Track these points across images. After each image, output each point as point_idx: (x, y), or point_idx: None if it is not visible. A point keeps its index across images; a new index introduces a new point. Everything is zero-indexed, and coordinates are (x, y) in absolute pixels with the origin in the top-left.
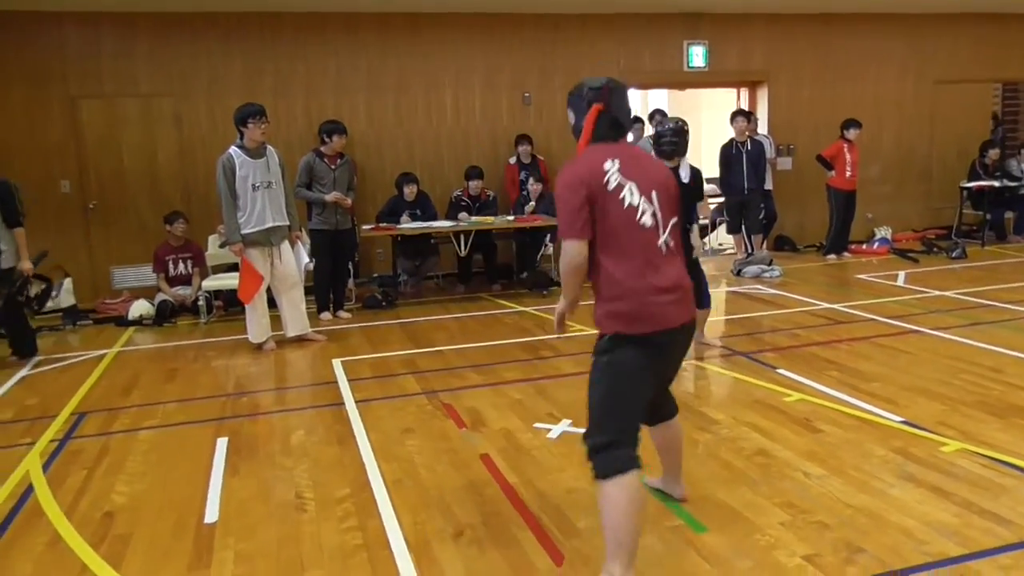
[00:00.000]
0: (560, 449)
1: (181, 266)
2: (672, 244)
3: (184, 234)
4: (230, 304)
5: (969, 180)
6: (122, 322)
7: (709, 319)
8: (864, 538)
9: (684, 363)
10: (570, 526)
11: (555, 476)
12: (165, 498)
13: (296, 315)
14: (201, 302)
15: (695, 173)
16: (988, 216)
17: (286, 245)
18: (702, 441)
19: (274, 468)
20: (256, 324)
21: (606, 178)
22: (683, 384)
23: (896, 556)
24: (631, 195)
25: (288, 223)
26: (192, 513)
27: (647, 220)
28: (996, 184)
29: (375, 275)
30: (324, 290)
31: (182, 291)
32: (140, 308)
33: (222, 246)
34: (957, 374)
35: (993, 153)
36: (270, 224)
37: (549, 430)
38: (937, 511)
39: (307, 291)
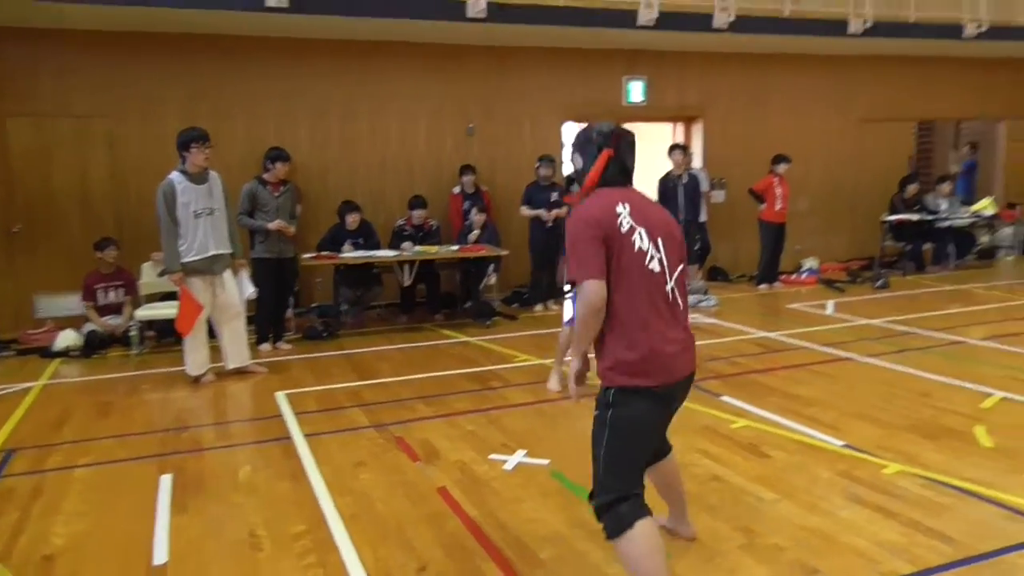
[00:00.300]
0: (517, 480)
1: (112, 294)
2: (678, 291)
3: (115, 261)
4: (164, 334)
5: (890, 214)
6: (47, 353)
7: None
8: (819, 559)
9: None
10: (533, 557)
11: (514, 507)
12: (108, 539)
13: (238, 346)
14: (133, 332)
15: None
16: (908, 248)
17: (228, 274)
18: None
19: (223, 505)
20: (195, 356)
21: (619, 220)
22: None
23: (849, 575)
24: (640, 240)
25: (231, 251)
26: (139, 554)
27: (655, 266)
28: (915, 218)
29: (314, 305)
30: (266, 321)
31: (112, 321)
32: (67, 339)
33: (161, 275)
34: (891, 399)
35: (912, 188)
36: (212, 252)
37: (505, 461)
38: (885, 531)
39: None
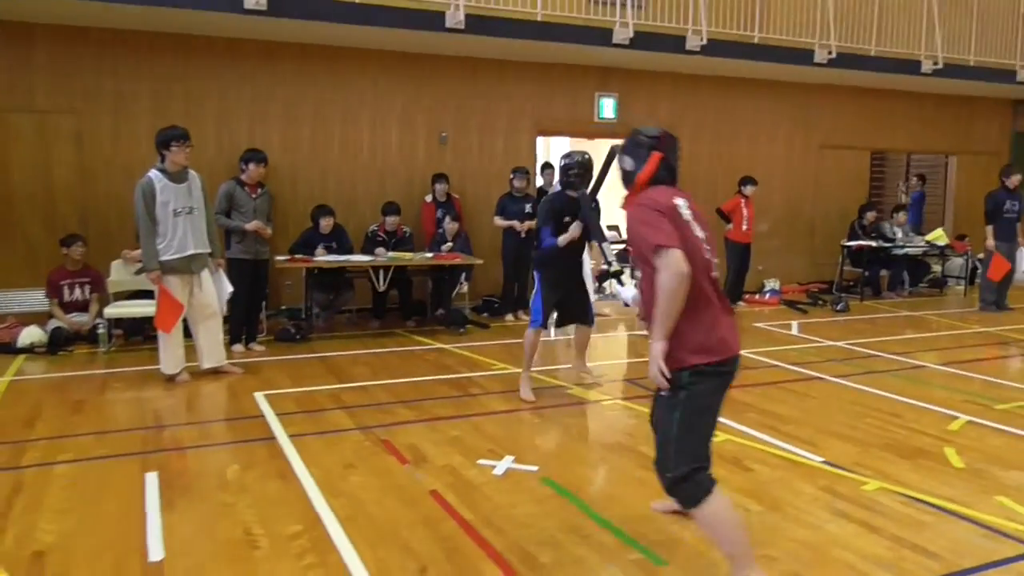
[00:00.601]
0: (507, 485)
1: (78, 291)
2: (717, 278)
3: (82, 258)
4: (131, 333)
5: (849, 239)
6: (9, 349)
7: (617, 362)
8: (811, 570)
9: (609, 403)
10: (534, 561)
11: (509, 512)
12: (99, 536)
13: (213, 346)
14: (101, 330)
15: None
16: (866, 273)
17: (206, 273)
18: (647, 480)
19: (214, 504)
20: (171, 354)
21: (679, 210)
22: (616, 424)
23: None
24: (696, 229)
25: (209, 250)
26: (132, 551)
27: (708, 255)
28: (873, 244)
29: (283, 307)
30: (240, 321)
31: (78, 318)
32: (31, 335)
33: (138, 273)
34: (862, 418)
35: (870, 215)
36: (191, 251)
37: (494, 467)
38: (871, 545)
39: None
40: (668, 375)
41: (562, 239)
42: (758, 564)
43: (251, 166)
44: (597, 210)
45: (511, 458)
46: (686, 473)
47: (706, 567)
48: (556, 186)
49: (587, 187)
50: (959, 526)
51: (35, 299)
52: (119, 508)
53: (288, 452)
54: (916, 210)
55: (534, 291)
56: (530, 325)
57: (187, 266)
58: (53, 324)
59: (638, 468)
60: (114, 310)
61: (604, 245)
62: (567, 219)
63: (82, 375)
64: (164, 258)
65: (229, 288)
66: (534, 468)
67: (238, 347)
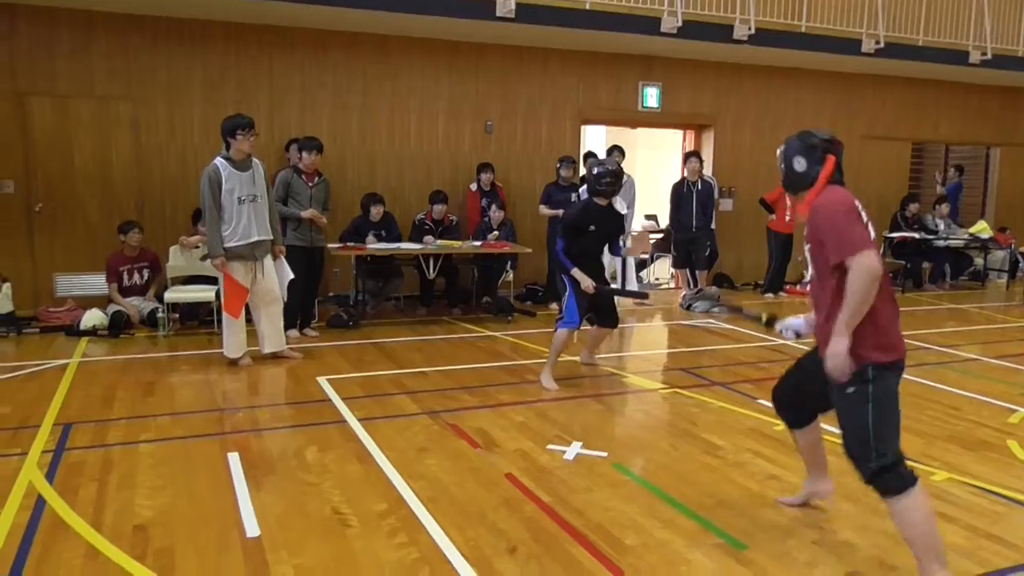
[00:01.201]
0: (580, 470)
1: (136, 276)
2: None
3: (139, 244)
4: (186, 317)
5: (891, 231)
6: (72, 331)
7: (668, 351)
8: (893, 557)
9: (666, 391)
10: (618, 543)
11: (586, 496)
12: (195, 512)
13: (274, 331)
14: (161, 314)
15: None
16: (908, 265)
17: (268, 259)
18: (714, 465)
19: (298, 484)
20: (234, 338)
21: (861, 211)
22: (676, 411)
23: None
24: (872, 230)
25: (271, 237)
26: (230, 527)
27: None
28: (917, 236)
29: (331, 294)
30: (296, 307)
31: (137, 302)
32: (93, 318)
33: (203, 259)
34: (923, 410)
35: (913, 207)
36: (255, 238)
37: (564, 452)
38: (948, 534)
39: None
40: (850, 370)
41: (582, 282)
42: (812, 570)
43: (303, 154)
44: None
45: (579, 444)
46: (890, 464)
47: (785, 552)
48: (583, 193)
49: (617, 194)
50: None
51: (94, 282)
52: (209, 486)
53: (361, 435)
54: (953, 202)
55: (567, 292)
56: (563, 325)
57: (251, 253)
58: (113, 307)
59: (704, 454)
60: (172, 295)
61: (617, 260)
62: (592, 228)
63: (146, 358)
64: (228, 245)
65: (290, 275)
66: (603, 454)
67: (293, 332)
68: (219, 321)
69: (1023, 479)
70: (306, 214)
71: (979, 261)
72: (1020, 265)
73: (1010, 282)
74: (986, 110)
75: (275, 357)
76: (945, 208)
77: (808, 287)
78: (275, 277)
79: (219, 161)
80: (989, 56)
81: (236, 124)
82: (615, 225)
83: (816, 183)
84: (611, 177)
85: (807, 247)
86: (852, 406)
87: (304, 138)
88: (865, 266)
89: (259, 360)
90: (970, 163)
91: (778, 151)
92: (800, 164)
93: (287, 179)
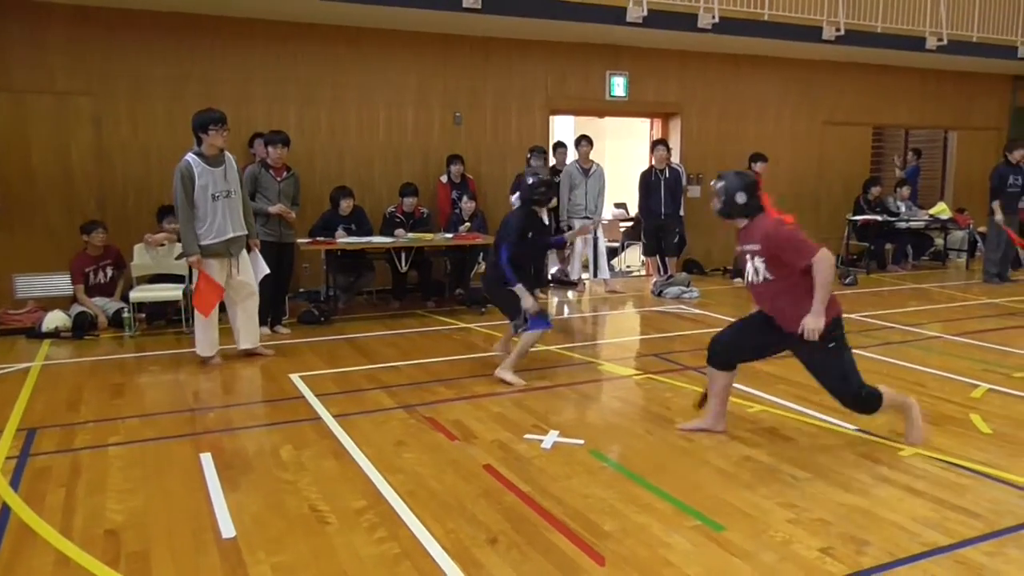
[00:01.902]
0: (558, 458)
1: (101, 275)
2: None
3: (103, 243)
4: (153, 317)
5: (854, 214)
6: (33, 334)
7: (641, 337)
8: (865, 532)
9: (640, 377)
10: (598, 529)
11: (565, 483)
12: (169, 514)
13: (251, 327)
14: (127, 314)
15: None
16: (871, 247)
17: (244, 254)
18: (691, 449)
19: (275, 482)
20: (207, 337)
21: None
22: (651, 397)
23: (898, 547)
24: None
25: (246, 232)
26: (205, 528)
27: None
28: (879, 218)
29: (301, 290)
30: (267, 304)
31: (102, 301)
32: (56, 319)
33: (178, 258)
34: (889, 387)
35: (875, 190)
36: (230, 235)
37: (541, 441)
38: (916, 507)
39: None
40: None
41: (524, 301)
42: (788, 547)
43: (269, 148)
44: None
45: (556, 432)
46: (868, 390)
47: (761, 531)
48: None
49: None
50: (996, 488)
51: (56, 283)
52: (182, 488)
53: (337, 432)
54: (911, 184)
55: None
56: (534, 327)
57: (226, 249)
58: (77, 308)
59: (679, 438)
60: (137, 294)
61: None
62: (531, 235)
63: (113, 359)
64: (204, 242)
65: (265, 269)
66: (580, 441)
67: (264, 329)
68: (188, 320)
69: (986, 451)
70: (274, 209)
71: (939, 242)
72: (978, 245)
73: (969, 261)
74: (943, 95)
75: (249, 355)
76: (906, 191)
77: (752, 287)
78: (251, 271)
79: (191, 157)
80: (945, 42)
81: (208, 119)
82: (546, 235)
83: (754, 212)
84: (545, 187)
85: (758, 260)
86: (832, 355)
87: (269, 132)
88: (826, 258)
89: (230, 358)
90: (928, 147)
91: (716, 184)
92: (742, 198)
93: (255, 174)
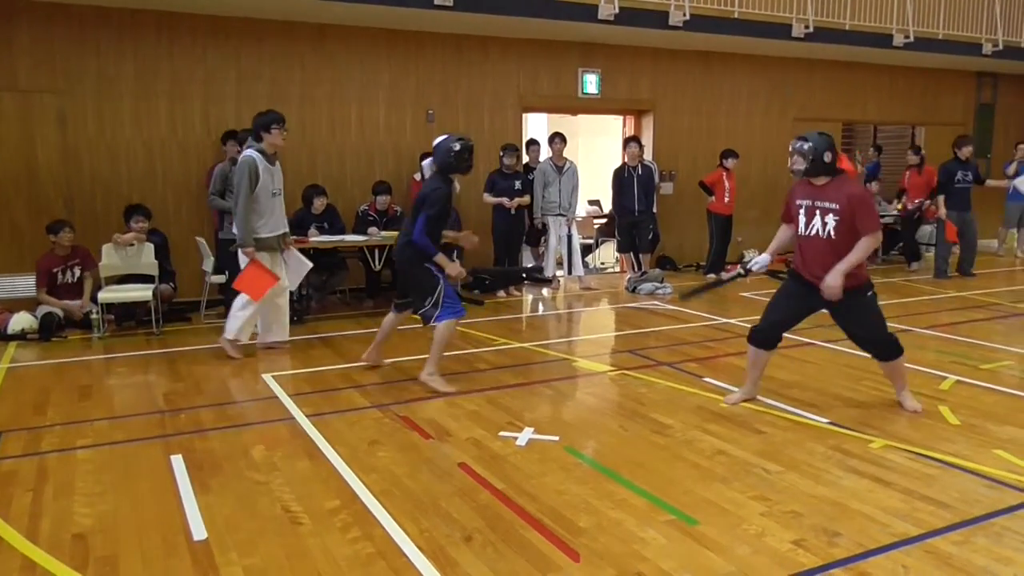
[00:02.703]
0: (533, 456)
1: (69, 275)
2: None
3: (70, 243)
4: (123, 318)
5: None
6: None
7: (615, 333)
8: (836, 523)
9: (614, 373)
10: (572, 525)
11: (539, 480)
12: (138, 518)
13: (283, 321)
14: (95, 315)
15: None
16: None
17: (286, 251)
18: (663, 444)
19: (247, 483)
20: (248, 323)
21: None
22: (626, 392)
23: (868, 537)
24: None
25: (287, 230)
26: (176, 531)
27: None
28: None
29: None
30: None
31: (72, 303)
32: (22, 321)
33: (233, 249)
34: (859, 381)
35: None
36: (282, 231)
37: (516, 438)
38: (886, 499)
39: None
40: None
41: (448, 268)
42: (761, 540)
43: (241, 148)
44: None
45: (531, 429)
46: (895, 337)
47: (735, 524)
48: (426, 168)
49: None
50: (964, 478)
51: (22, 284)
52: (152, 490)
53: (310, 431)
54: (872, 180)
55: (438, 283)
56: (446, 315)
57: (277, 244)
58: (43, 309)
59: (653, 433)
60: (106, 295)
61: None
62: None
63: (81, 361)
64: (260, 236)
65: (308, 264)
66: (555, 438)
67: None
68: (158, 321)
69: (954, 442)
70: None
71: None
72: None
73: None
74: (910, 91)
75: (271, 347)
76: (875, 186)
77: (809, 240)
78: (291, 267)
79: (254, 154)
80: (912, 39)
81: (270, 119)
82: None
83: (836, 171)
84: (470, 152)
85: (830, 217)
86: (870, 305)
87: (242, 131)
88: (878, 238)
89: (203, 360)
90: (897, 142)
91: (803, 145)
92: (829, 156)
93: (225, 172)
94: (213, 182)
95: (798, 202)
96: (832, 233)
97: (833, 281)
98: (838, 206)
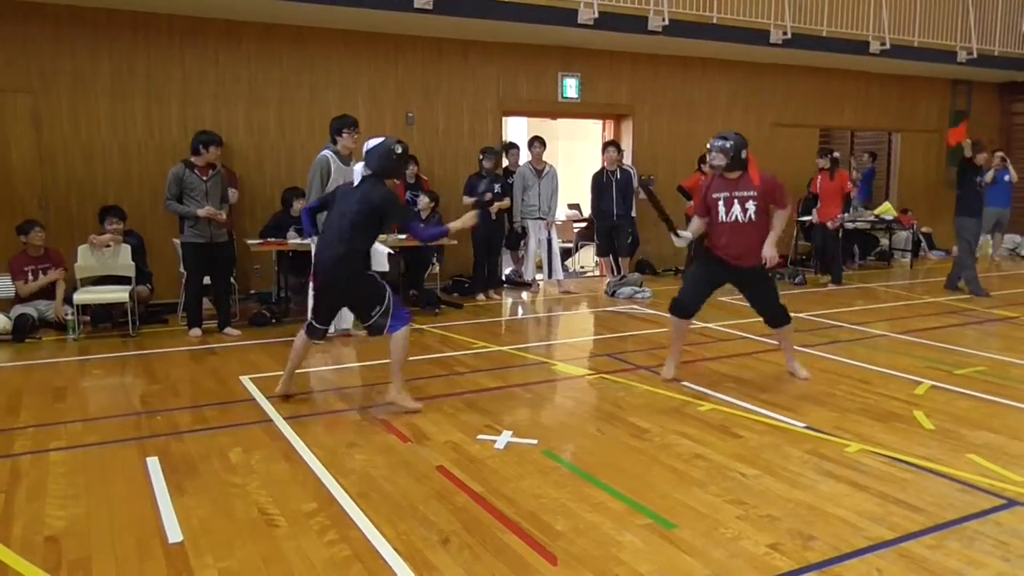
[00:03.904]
0: (511, 459)
1: (41, 277)
2: None
3: (42, 243)
4: (98, 319)
5: (801, 215)
6: None
7: (593, 337)
8: (812, 527)
9: (592, 377)
10: (550, 529)
11: (516, 484)
12: (112, 520)
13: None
14: (70, 317)
15: None
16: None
17: None
18: (642, 448)
19: (223, 486)
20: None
21: None
22: (604, 396)
23: (843, 541)
24: None
25: None
26: (151, 534)
27: None
28: None
29: (252, 292)
30: (195, 305)
31: (45, 305)
32: None
33: (304, 238)
34: (835, 385)
35: None
36: None
37: (494, 442)
38: (861, 502)
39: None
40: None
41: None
42: (737, 544)
43: (211, 149)
44: None
45: (509, 432)
46: (786, 307)
47: (712, 528)
48: (357, 174)
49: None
50: (938, 482)
51: None
52: (126, 493)
53: (287, 434)
54: (867, 186)
55: (387, 292)
56: (400, 325)
57: None
58: (17, 311)
59: (631, 437)
60: (82, 296)
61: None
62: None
63: (56, 362)
64: None
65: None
66: (534, 441)
67: (195, 331)
68: (135, 323)
69: (928, 446)
70: (202, 212)
71: (884, 242)
72: (922, 244)
73: (913, 261)
74: (887, 97)
75: (347, 335)
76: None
77: (731, 226)
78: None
79: (329, 153)
80: (888, 46)
81: (343, 123)
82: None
83: (747, 166)
84: (408, 155)
85: (750, 204)
86: (770, 279)
87: (203, 132)
88: (789, 210)
89: (179, 363)
90: (873, 148)
91: (724, 143)
92: (744, 153)
93: (179, 175)
94: (168, 186)
95: (714, 195)
96: (752, 216)
97: (769, 252)
98: (756, 193)
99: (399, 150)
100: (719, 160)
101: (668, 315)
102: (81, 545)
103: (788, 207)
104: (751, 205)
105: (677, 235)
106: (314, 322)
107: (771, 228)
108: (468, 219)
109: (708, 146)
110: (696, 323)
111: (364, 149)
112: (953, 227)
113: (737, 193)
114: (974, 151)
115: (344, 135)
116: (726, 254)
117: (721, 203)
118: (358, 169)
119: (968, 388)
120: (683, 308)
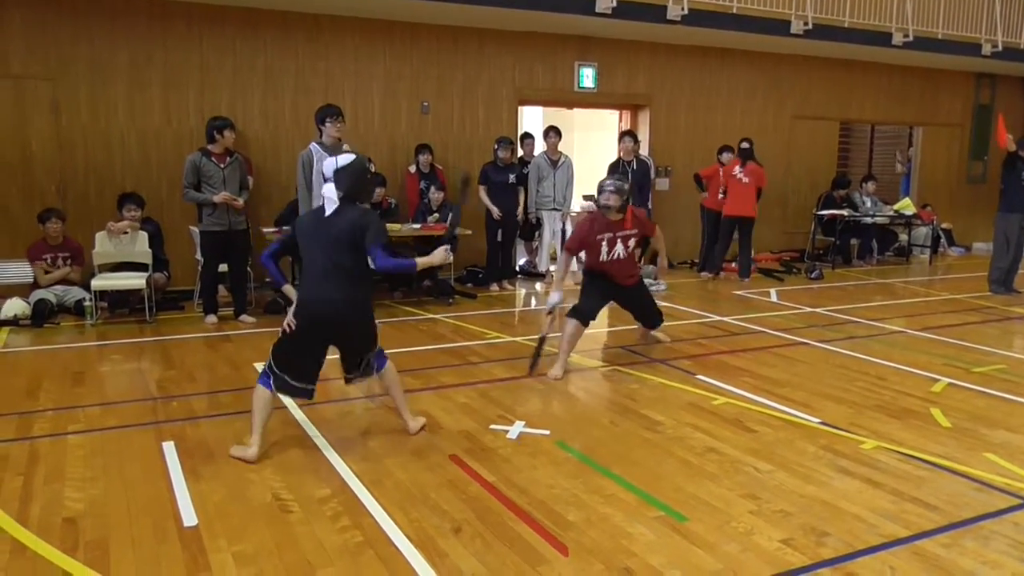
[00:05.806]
0: (524, 449)
1: (60, 264)
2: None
3: (60, 232)
4: (116, 305)
5: (820, 209)
6: None
7: (609, 329)
8: (825, 523)
9: (606, 369)
10: (562, 519)
11: (529, 474)
12: (130, 503)
13: None
14: (88, 303)
15: None
16: (837, 241)
17: None
18: (654, 441)
19: (238, 471)
20: None
21: None
22: (617, 388)
23: (857, 538)
24: None
25: None
26: (167, 516)
27: None
28: (844, 214)
29: (267, 279)
30: (211, 292)
31: (61, 292)
32: (15, 307)
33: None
34: (852, 381)
35: (841, 192)
36: None
37: (507, 431)
38: (876, 499)
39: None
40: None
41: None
42: (749, 538)
43: (225, 133)
44: None
45: (522, 423)
46: (660, 309)
47: (724, 522)
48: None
49: None
50: (954, 481)
51: (15, 270)
52: (143, 476)
53: (301, 420)
54: (908, 180)
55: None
56: (385, 359)
57: None
58: (36, 296)
59: (644, 430)
60: (100, 282)
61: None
62: None
63: (74, 347)
64: None
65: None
66: (546, 432)
67: (211, 318)
68: (152, 309)
69: (945, 445)
70: (218, 198)
71: (903, 237)
72: (941, 240)
73: (932, 257)
74: (908, 90)
75: None
76: (872, 186)
77: (613, 263)
78: None
79: (313, 145)
80: (911, 38)
81: (325, 113)
82: None
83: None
84: (370, 174)
85: (631, 241)
86: (647, 290)
87: (217, 118)
88: (660, 232)
89: (194, 348)
90: (895, 142)
91: (623, 185)
92: (626, 196)
93: (196, 162)
94: (186, 175)
95: (599, 237)
96: (629, 249)
97: (663, 267)
98: (636, 231)
99: (372, 168)
100: (613, 201)
101: (568, 319)
102: (98, 527)
103: (658, 232)
104: (631, 242)
105: (550, 311)
106: (287, 378)
107: (656, 252)
108: (437, 255)
109: (600, 186)
110: (711, 316)
111: (332, 167)
112: (994, 223)
113: (620, 233)
114: (1019, 147)
115: (328, 124)
116: (616, 280)
117: (604, 243)
118: (327, 192)
119: (986, 386)
120: (582, 317)
